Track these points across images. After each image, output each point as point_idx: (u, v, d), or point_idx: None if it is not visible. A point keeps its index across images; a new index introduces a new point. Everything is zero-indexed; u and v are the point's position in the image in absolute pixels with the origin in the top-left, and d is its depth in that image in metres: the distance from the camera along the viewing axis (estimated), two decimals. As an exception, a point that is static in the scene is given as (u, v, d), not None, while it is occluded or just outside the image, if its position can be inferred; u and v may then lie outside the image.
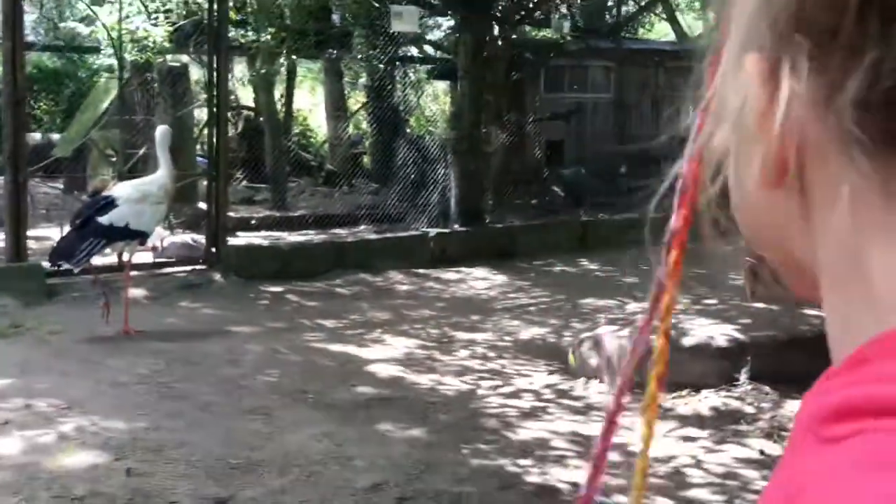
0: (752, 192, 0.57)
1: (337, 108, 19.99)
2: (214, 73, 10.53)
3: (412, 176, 13.99)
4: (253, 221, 13.47)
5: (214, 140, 10.84)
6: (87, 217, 7.87)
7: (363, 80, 16.23)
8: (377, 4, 14.67)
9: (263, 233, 12.94)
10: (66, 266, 7.98)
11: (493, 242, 12.40)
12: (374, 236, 12.23)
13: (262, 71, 14.70)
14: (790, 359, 6.18)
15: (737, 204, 0.60)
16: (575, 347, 6.88)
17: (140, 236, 8.03)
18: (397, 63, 17.39)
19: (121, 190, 8.15)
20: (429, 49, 20.46)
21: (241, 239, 11.67)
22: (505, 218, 13.99)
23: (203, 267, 10.26)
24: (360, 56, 18.20)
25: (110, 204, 7.82)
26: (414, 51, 19.58)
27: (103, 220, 7.72)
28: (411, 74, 20.07)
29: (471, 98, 12.01)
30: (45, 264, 8.73)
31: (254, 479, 4.69)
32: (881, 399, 0.46)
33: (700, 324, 6.54)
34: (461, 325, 8.57)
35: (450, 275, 11.15)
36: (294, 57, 16.44)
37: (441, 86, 27.04)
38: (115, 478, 4.61)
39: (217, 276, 10.06)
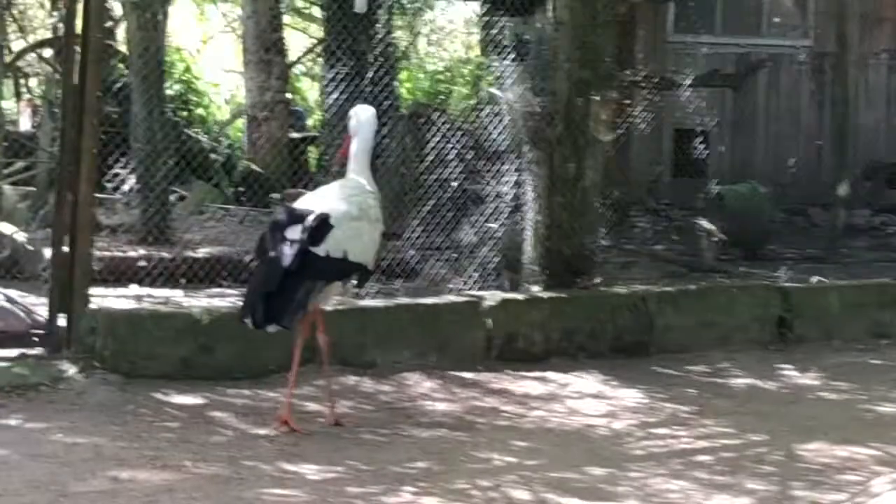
0: None
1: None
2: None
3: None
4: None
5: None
6: (301, 249, 4.14)
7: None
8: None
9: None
10: (275, 328, 4.19)
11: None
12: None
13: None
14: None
15: None
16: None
17: (358, 271, 4.50)
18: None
19: (329, 203, 4.36)
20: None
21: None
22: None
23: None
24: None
25: (325, 223, 4.21)
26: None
27: (319, 250, 4.18)
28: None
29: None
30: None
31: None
32: None
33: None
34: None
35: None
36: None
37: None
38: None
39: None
